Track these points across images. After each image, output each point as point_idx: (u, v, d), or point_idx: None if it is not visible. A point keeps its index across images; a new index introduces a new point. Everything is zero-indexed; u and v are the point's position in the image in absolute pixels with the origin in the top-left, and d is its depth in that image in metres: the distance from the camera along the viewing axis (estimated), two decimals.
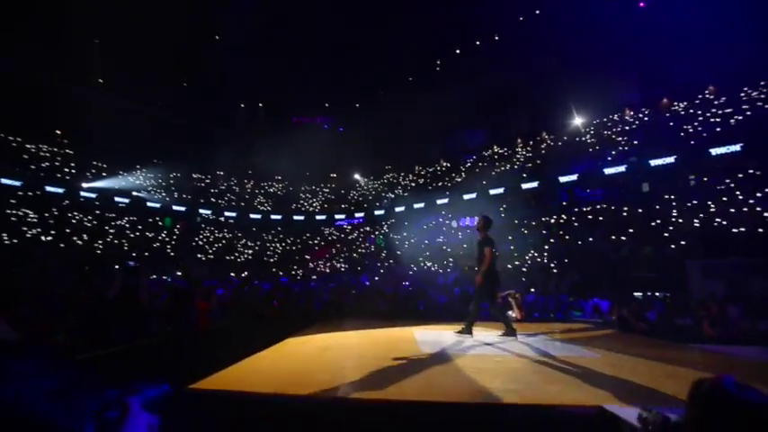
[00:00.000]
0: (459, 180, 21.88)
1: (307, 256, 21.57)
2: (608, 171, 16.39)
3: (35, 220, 16.50)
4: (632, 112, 17.69)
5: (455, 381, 2.92)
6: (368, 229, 23.26)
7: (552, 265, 13.62)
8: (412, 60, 22.85)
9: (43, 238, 16.14)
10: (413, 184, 24.47)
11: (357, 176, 26.51)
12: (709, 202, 12.27)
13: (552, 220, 16.36)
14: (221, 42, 22.99)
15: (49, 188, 17.89)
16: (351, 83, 24.06)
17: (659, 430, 1.16)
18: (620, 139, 17.23)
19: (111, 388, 0.76)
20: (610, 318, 7.50)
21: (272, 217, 24.52)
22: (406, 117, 21.01)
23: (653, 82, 17.17)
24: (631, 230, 13.19)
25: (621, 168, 16.06)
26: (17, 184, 17.01)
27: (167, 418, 0.91)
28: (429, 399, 2.46)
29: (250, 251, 21.91)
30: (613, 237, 13.38)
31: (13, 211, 16.21)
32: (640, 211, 13.85)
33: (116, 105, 20.66)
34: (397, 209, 23.02)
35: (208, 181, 24.53)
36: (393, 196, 24.16)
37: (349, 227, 24.19)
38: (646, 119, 17.19)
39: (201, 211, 22.90)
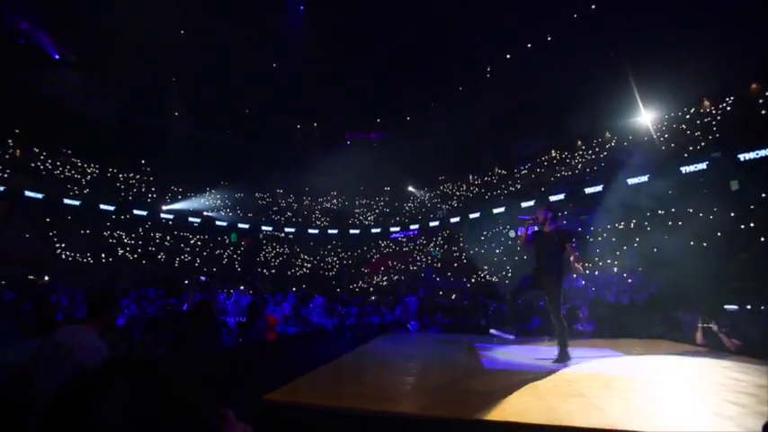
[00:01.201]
0: (516, 188, 21.12)
1: (363, 269, 21.94)
2: (685, 169, 14.86)
3: (125, 240, 18.64)
4: (711, 103, 15.92)
5: (525, 400, 2.78)
6: (423, 240, 23.17)
7: (625, 274, 12.54)
8: (461, 69, 22.66)
9: (130, 256, 18.14)
10: (468, 194, 24.04)
11: (411, 189, 26.60)
12: None
13: (621, 226, 15.13)
14: (278, 69, 24.57)
15: (136, 211, 20.16)
16: (400, 96, 24.39)
17: None
18: (697, 133, 15.60)
19: (208, 398, 0.84)
20: (693, 333, 6.71)
21: (329, 231, 25.34)
22: (458, 127, 20.80)
23: (735, 65, 15.08)
24: (719, 234, 11.77)
25: (702, 165, 14.48)
26: (111, 208, 19.40)
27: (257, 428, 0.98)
28: (500, 419, 2.37)
29: (308, 265, 22.79)
30: (696, 242, 12.02)
31: (109, 233, 18.47)
32: (732, 214, 12.28)
33: (188, 134, 22.87)
34: (453, 219, 22.69)
35: (269, 199, 26.06)
36: (448, 207, 23.90)
37: (404, 239, 24.27)
38: (729, 108, 15.38)
39: (263, 227, 24.34)
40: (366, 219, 26.30)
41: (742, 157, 13.44)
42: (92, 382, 0.62)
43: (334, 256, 23.88)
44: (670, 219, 13.89)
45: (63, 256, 16.31)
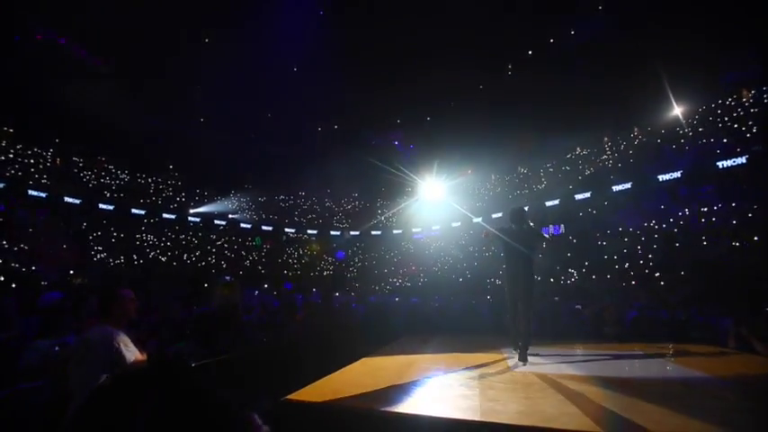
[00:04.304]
0: (540, 187, 20.64)
1: (385, 270, 21.93)
2: (722, 164, 14.11)
3: (155, 242, 19.33)
4: (751, 92, 14.96)
5: (557, 405, 2.69)
6: (442, 243, 22.96)
7: (657, 275, 12.02)
8: (482, 68, 22.27)
9: (161, 258, 18.79)
10: (489, 194, 23.66)
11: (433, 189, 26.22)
12: None
13: (655, 225, 14.52)
14: (298, 73, 24.86)
15: (165, 215, 20.89)
16: (421, 97, 24.20)
17: None
18: (735, 125, 14.77)
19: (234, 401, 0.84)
20: (725, 337, 6.37)
21: (351, 233, 25.48)
22: (479, 125, 20.49)
23: None
24: (761, 232, 11.10)
25: (741, 160, 13.72)
26: (142, 212, 20.19)
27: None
28: (526, 423, 2.30)
29: (331, 267, 22.98)
30: (736, 241, 11.39)
31: (140, 236, 19.20)
32: None
33: (212, 140, 23.47)
34: (475, 220, 22.37)
35: (291, 202, 26.43)
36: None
37: (426, 240, 24.13)
38: None
39: (286, 229, 24.72)
40: (388, 220, 26.28)
41: None
42: (124, 387, 0.63)
43: (355, 258, 23.99)
44: (706, 216, 13.23)
45: (97, 258, 17.06)
